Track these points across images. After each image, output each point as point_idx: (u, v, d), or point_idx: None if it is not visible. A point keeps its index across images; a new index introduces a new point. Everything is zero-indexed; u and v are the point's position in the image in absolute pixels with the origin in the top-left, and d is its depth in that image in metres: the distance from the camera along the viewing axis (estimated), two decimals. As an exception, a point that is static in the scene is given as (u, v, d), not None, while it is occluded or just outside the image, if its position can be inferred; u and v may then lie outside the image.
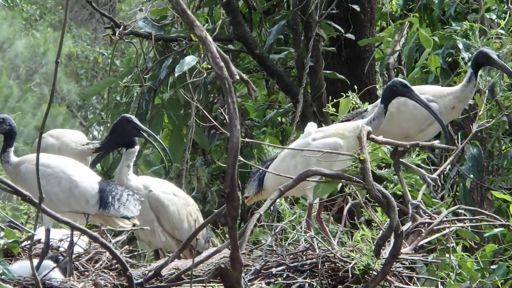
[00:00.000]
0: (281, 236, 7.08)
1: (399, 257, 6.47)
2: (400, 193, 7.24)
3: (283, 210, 7.34)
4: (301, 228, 7.04)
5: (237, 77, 5.65)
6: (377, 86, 10.33)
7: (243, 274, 6.00)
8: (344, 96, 7.19)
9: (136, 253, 8.07)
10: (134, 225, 6.93)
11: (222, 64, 5.57)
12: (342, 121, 7.39)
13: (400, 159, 7.29)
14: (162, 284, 6.30)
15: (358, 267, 6.37)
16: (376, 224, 6.84)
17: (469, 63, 7.53)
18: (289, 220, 7.26)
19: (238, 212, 5.67)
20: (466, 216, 7.50)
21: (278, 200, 7.23)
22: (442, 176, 9.64)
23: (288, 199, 7.85)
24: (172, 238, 7.26)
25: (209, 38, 5.64)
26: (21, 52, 21.01)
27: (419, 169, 7.37)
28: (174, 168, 10.36)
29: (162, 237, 7.23)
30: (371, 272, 6.31)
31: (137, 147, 7.23)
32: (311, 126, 7.07)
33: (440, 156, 9.63)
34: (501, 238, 7.68)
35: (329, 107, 7.24)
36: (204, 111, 8.43)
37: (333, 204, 7.68)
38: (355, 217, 7.46)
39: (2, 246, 6.00)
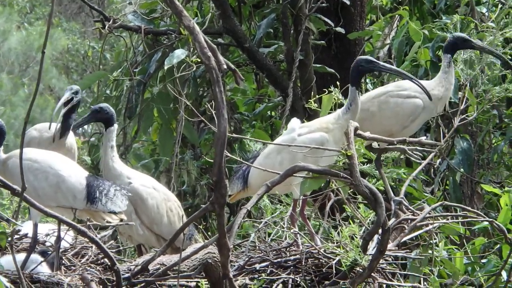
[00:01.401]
0: (267, 231, 7.08)
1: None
2: (382, 188, 7.24)
3: (264, 206, 7.32)
4: (284, 224, 7.03)
5: (225, 66, 5.66)
6: (367, 80, 10.30)
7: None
8: (327, 92, 7.17)
9: (121, 247, 8.06)
10: (121, 220, 6.94)
11: (209, 54, 5.58)
12: None
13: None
14: (149, 279, 6.29)
15: (345, 262, 6.36)
16: (358, 220, 6.82)
17: (442, 50, 7.54)
18: (273, 216, 7.24)
19: (225, 199, 5.73)
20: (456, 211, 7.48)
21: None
22: (432, 170, 9.65)
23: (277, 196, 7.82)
24: (151, 233, 7.22)
25: (197, 28, 5.65)
26: (14, 48, 20.98)
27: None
28: (164, 162, 10.34)
29: (140, 230, 7.18)
30: (356, 268, 6.31)
31: (116, 126, 7.23)
32: (294, 121, 7.04)
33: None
34: (491, 231, 7.67)
35: (311, 103, 7.21)
36: (192, 107, 8.39)
37: (316, 200, 7.67)
38: (337, 213, 7.46)
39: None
